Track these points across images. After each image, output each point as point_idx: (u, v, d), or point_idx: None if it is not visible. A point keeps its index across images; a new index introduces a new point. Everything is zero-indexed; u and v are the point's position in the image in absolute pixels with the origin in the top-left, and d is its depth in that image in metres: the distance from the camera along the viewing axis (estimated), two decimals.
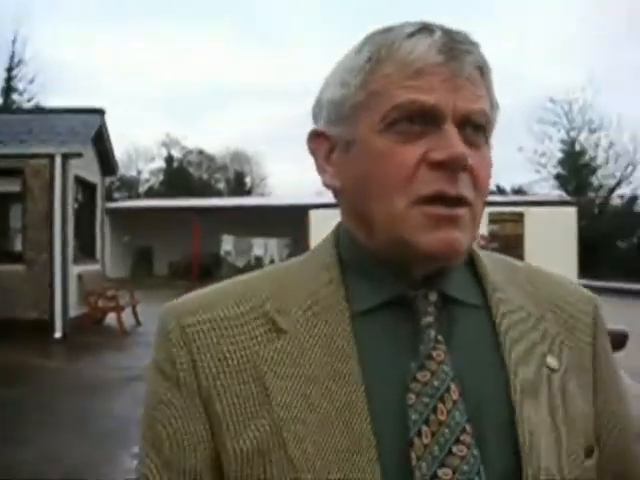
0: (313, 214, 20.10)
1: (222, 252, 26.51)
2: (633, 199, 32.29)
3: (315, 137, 0.84)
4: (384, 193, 0.76)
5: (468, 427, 0.72)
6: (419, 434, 0.71)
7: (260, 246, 26.32)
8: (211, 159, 48.53)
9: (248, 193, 45.74)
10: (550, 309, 0.85)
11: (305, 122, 0.86)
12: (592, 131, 33.85)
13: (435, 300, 0.79)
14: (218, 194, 43.06)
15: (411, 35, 0.77)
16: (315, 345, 0.76)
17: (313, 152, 0.84)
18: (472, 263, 0.85)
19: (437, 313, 0.79)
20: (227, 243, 26.59)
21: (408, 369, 0.75)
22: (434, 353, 0.76)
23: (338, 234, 0.86)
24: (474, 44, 0.78)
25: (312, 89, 0.86)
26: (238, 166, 48.79)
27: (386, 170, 0.75)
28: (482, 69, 0.79)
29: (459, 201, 0.75)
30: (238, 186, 47.09)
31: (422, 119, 0.75)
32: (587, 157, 34.23)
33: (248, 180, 49.16)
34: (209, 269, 24.39)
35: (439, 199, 0.74)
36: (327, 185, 0.83)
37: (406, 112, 0.75)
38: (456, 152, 0.73)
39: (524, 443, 0.73)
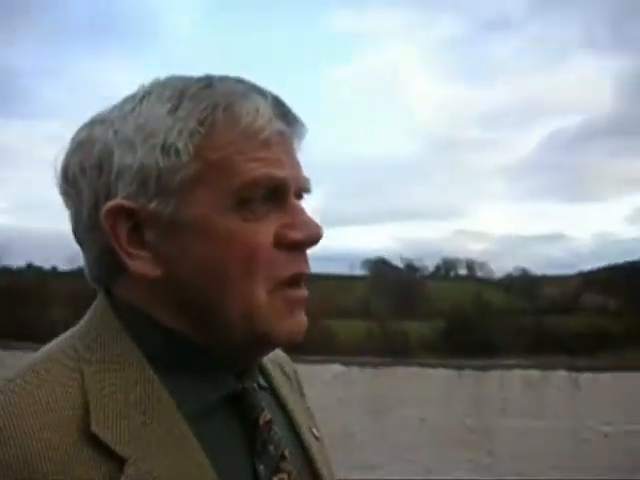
0: None
1: None
2: None
3: (113, 212, 0.67)
4: (240, 283, 0.67)
5: None
6: None
7: None
8: None
9: None
10: (288, 378, 0.87)
11: None
12: None
13: (259, 392, 0.75)
14: None
15: (246, 94, 0.69)
16: (160, 465, 0.63)
17: (111, 232, 0.68)
18: None
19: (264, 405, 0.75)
20: None
21: (256, 472, 0.70)
22: (286, 452, 0.74)
23: (128, 324, 0.69)
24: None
25: None
26: None
27: (240, 257, 0.67)
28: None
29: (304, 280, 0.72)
30: None
31: (271, 195, 0.69)
32: None
33: None
34: None
35: (295, 281, 0.70)
36: (137, 273, 0.68)
37: (261, 189, 0.67)
38: (316, 232, 0.70)
39: None
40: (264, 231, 0.67)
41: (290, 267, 0.69)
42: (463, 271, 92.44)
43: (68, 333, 0.71)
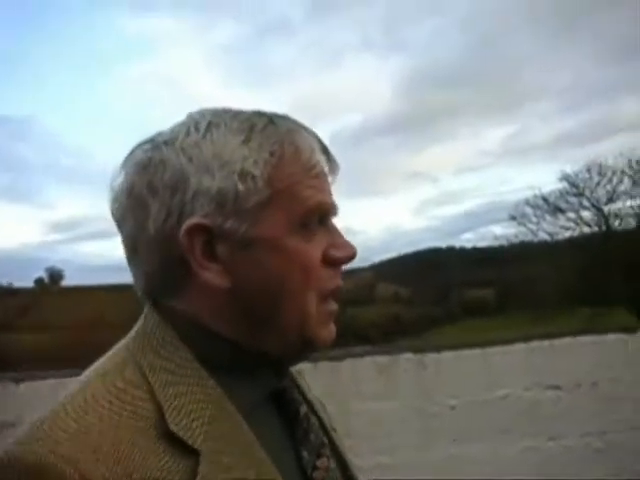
0: None
1: None
2: None
3: (192, 229, 0.75)
4: (299, 293, 0.77)
5: None
6: None
7: None
8: None
9: None
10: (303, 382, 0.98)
11: None
12: None
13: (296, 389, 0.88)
14: None
15: (302, 133, 0.79)
16: (229, 455, 0.72)
17: (188, 248, 0.75)
18: None
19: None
20: None
21: (300, 457, 0.81)
22: (325, 439, 0.86)
23: (182, 333, 0.77)
24: None
25: None
26: None
27: (300, 271, 0.76)
28: None
29: None
30: None
31: (321, 219, 0.80)
32: None
33: None
34: None
35: (335, 294, 0.81)
36: (209, 284, 0.76)
37: (317, 214, 0.79)
38: (354, 251, 0.82)
39: None
40: (317, 250, 0.78)
41: (333, 281, 0.80)
42: None
43: (121, 346, 0.78)
